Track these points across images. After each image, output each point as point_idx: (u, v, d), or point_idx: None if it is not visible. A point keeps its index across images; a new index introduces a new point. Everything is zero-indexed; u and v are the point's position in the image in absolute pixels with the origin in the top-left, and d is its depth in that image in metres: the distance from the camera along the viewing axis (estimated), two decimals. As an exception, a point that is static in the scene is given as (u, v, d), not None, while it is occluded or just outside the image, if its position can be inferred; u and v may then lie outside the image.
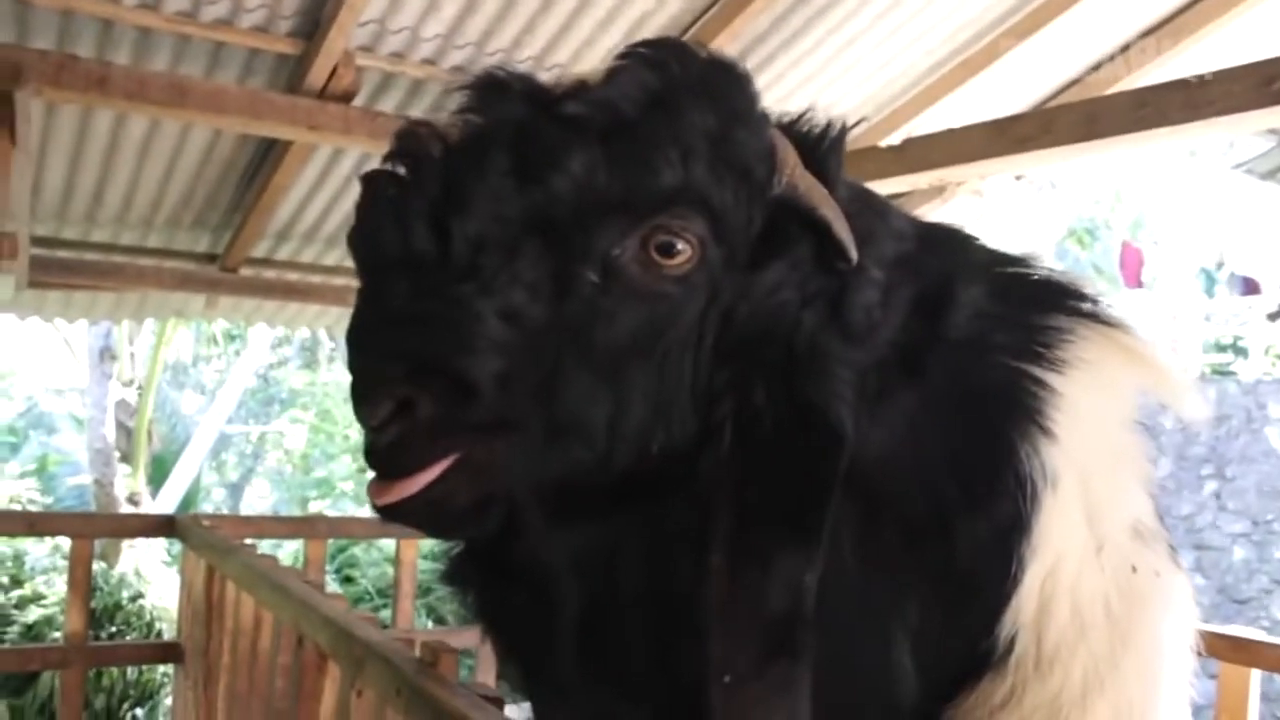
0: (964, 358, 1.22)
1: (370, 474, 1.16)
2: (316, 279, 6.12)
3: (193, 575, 4.06)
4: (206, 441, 14.22)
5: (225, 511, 15.72)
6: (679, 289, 1.15)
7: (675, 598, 1.16)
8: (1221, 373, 15.61)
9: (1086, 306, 1.29)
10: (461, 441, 1.11)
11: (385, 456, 1.12)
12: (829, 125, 1.29)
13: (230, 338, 17.55)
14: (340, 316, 6.93)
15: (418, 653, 2.17)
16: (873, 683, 1.19)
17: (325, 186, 5.45)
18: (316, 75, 4.34)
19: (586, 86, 1.17)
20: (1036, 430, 1.19)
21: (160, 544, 9.85)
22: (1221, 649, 2.98)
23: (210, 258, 5.92)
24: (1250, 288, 17.51)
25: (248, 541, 3.81)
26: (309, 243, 5.93)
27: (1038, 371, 1.22)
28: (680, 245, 1.15)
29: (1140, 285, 18.89)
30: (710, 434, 1.16)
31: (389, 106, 4.86)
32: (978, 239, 1.38)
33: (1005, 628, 1.20)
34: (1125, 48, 4.73)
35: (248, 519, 7.52)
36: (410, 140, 1.16)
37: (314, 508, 14.14)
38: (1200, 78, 2.96)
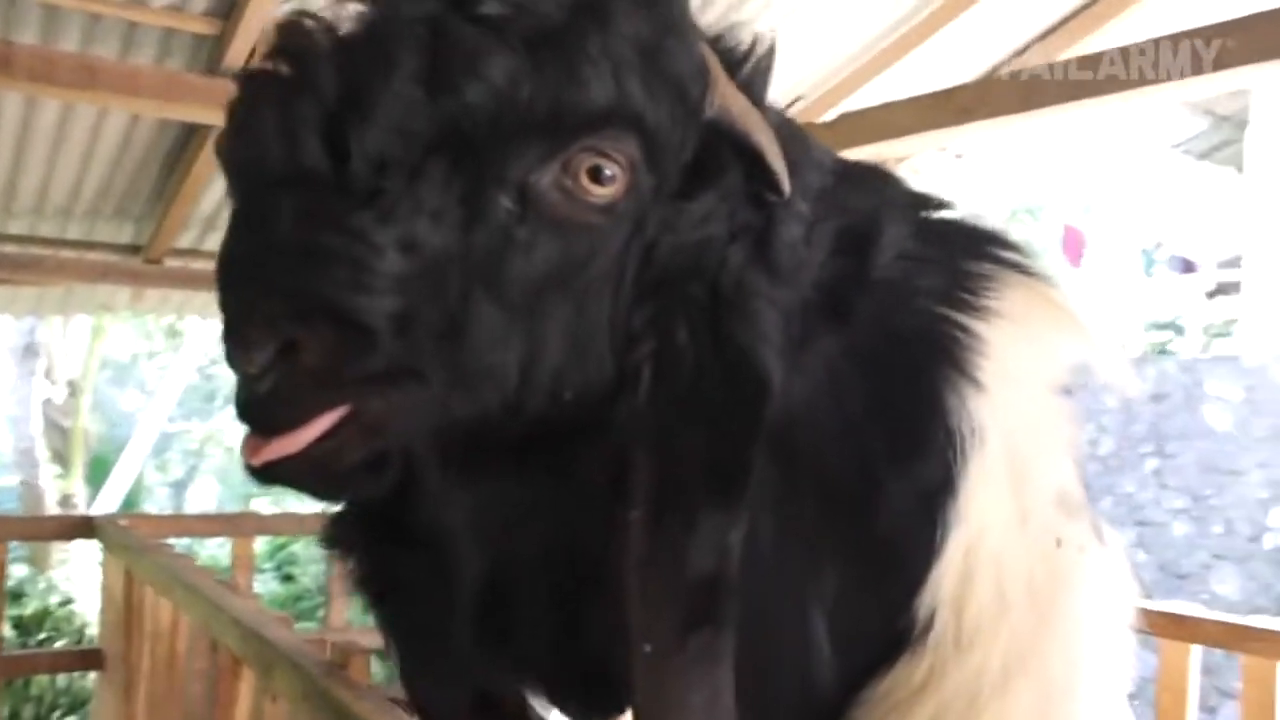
0: (888, 300, 1.12)
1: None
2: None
3: (112, 578, 3.91)
4: (148, 440, 13.93)
5: (170, 511, 15.42)
6: (605, 219, 1.03)
7: (585, 558, 1.06)
8: (1161, 351, 15.88)
9: (1014, 256, 1.20)
10: (352, 391, 0.96)
11: (263, 408, 0.96)
12: (755, 43, 1.17)
13: (173, 333, 17.20)
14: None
15: (329, 654, 2.07)
16: (788, 666, 1.10)
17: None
18: (236, 55, 4.20)
19: None
20: (965, 381, 1.10)
21: (96, 546, 9.61)
22: (1161, 625, 2.95)
23: (134, 249, 5.73)
24: (1187, 267, 17.82)
25: (180, 540, 3.67)
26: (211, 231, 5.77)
27: (965, 319, 1.12)
28: (610, 170, 1.01)
29: (1081, 265, 19.13)
30: (627, 377, 1.05)
31: (313, 88, 4.71)
32: (899, 177, 1.28)
33: (925, 603, 1.11)
34: (1056, 25, 4.71)
35: (171, 518, 7.32)
36: (296, 34, 0.98)
37: (255, 505, 13.89)
38: (1135, 47, 2.92)
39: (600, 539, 1.03)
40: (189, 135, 4.95)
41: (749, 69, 1.16)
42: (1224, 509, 12.34)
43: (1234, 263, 16.51)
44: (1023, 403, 1.15)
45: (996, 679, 1.11)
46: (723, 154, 1.08)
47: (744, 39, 1.16)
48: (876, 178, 1.25)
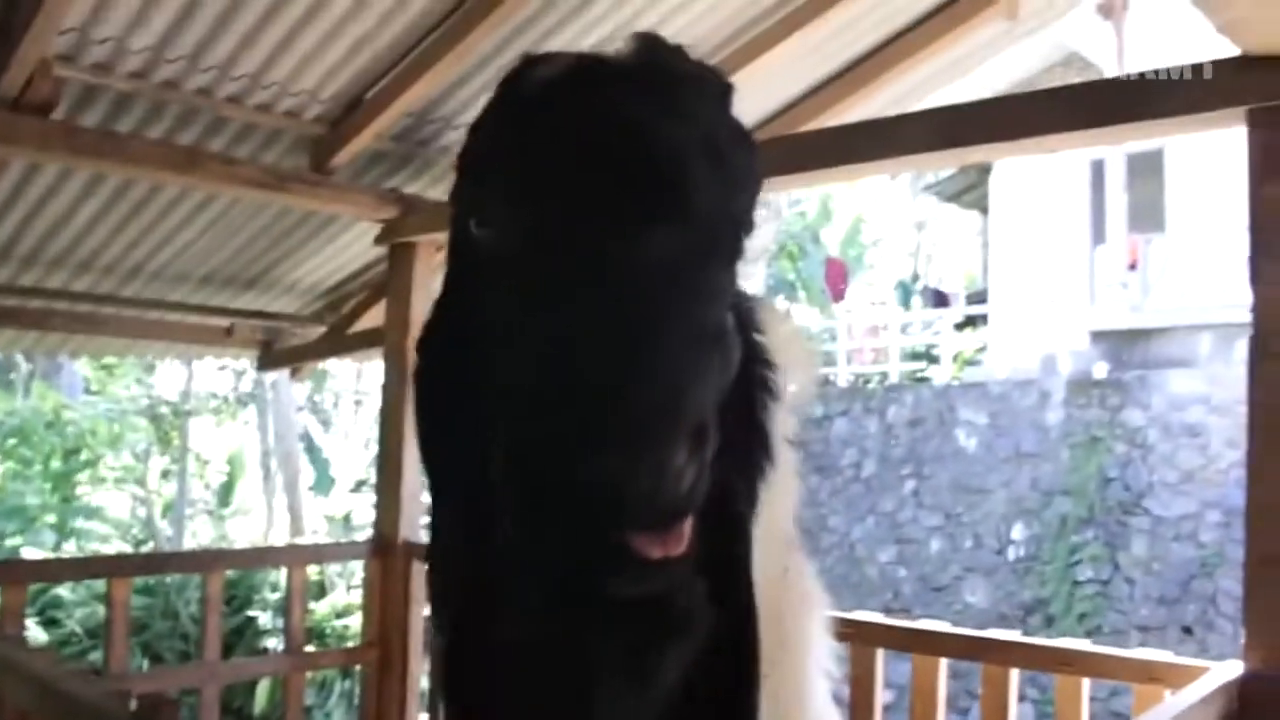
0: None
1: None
2: (11, 302, 5.66)
3: None
4: None
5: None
6: None
7: None
8: (917, 379, 16.96)
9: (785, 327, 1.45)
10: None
11: (678, 504, 1.00)
12: None
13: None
14: (39, 339, 6.43)
15: (134, 705, 2.07)
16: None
17: (19, 204, 5.05)
18: (9, 85, 4.04)
19: None
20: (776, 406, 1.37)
21: None
22: (912, 641, 3.29)
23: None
24: (940, 300, 19.09)
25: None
26: (1, 263, 5.48)
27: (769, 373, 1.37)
28: None
29: (844, 298, 20.23)
30: None
31: (92, 121, 4.57)
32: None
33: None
34: (815, 90, 5.12)
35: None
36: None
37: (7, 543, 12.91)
38: (891, 120, 3.25)
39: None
40: None
41: None
42: (973, 525, 13.37)
43: (980, 296, 17.90)
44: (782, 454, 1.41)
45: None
46: None
47: None
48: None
